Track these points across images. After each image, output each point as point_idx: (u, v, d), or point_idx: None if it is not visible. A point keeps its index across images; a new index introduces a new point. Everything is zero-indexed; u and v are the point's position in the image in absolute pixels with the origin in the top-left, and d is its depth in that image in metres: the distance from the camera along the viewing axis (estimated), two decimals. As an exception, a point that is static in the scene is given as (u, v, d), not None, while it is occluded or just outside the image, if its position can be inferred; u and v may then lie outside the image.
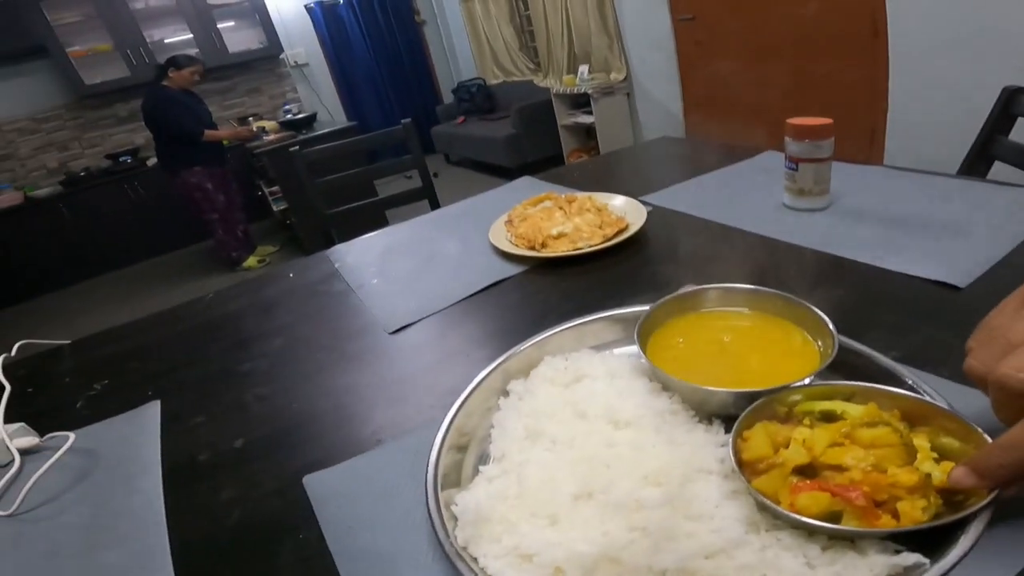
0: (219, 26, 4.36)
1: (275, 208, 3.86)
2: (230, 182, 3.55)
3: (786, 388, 0.35)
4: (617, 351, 0.48)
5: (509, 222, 0.82)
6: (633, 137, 3.83)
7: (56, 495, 0.52)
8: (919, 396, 0.34)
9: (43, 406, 0.68)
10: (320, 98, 5.13)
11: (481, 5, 4.78)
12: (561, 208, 0.84)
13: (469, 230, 0.90)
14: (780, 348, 0.42)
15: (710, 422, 0.38)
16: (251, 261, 3.72)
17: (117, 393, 0.67)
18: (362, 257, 0.90)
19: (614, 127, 3.73)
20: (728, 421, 0.36)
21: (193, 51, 4.03)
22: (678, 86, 3.34)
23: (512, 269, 0.74)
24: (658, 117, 3.62)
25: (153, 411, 0.61)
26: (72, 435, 0.56)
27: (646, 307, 0.46)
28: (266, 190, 3.85)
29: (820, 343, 0.40)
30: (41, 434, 0.59)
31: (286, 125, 3.96)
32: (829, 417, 0.33)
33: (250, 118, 4.47)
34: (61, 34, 3.86)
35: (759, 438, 0.33)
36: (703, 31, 3.01)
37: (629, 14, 3.45)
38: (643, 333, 0.43)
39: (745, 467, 0.32)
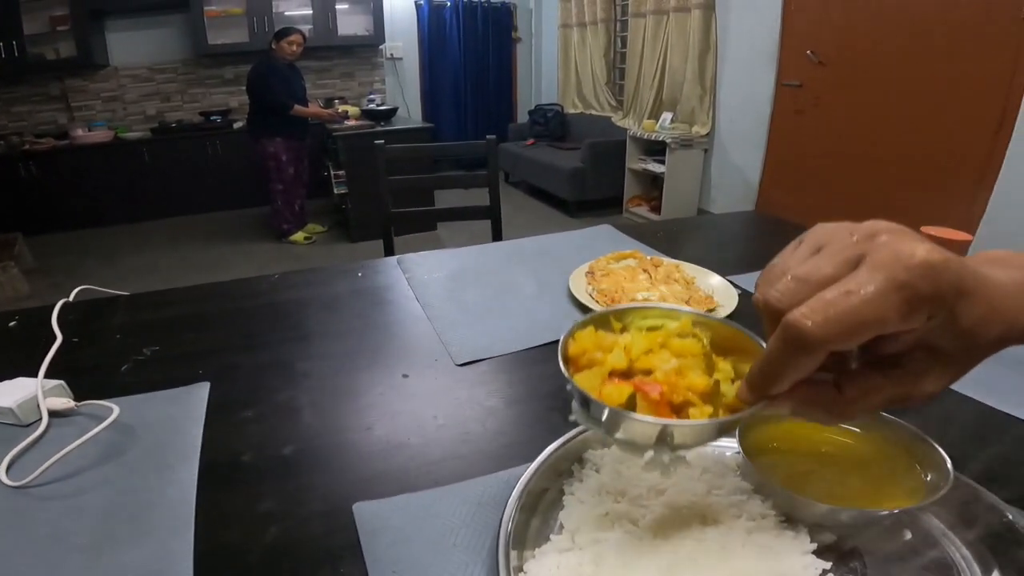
0: (336, 6, 4.55)
1: (335, 191, 3.94)
2: (303, 158, 3.67)
3: (627, 308, 0.37)
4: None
5: (591, 273, 0.79)
6: (699, 197, 3.77)
7: (78, 470, 0.47)
8: (735, 326, 0.35)
9: (86, 362, 0.66)
10: (404, 94, 5.27)
11: (579, 33, 4.84)
12: (646, 271, 0.80)
13: (545, 270, 0.87)
14: (881, 470, 0.40)
15: (796, 529, 0.37)
16: (299, 236, 3.81)
17: (166, 364, 0.65)
18: (432, 273, 0.88)
19: (683, 182, 3.68)
20: (813, 530, 0.36)
21: (307, 27, 4.21)
22: (762, 153, 3.26)
23: (588, 324, 0.70)
24: (731, 182, 3.55)
25: (201, 394, 0.58)
26: (116, 408, 0.52)
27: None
28: (332, 172, 3.94)
29: (930, 475, 0.38)
30: (78, 395, 0.56)
31: (367, 114, 4.07)
32: (654, 330, 0.36)
33: (336, 101, 4.63)
34: (205, -7, 4.11)
35: (587, 338, 0.34)
36: (807, 100, 2.92)
37: (730, 69, 3.40)
38: (742, 432, 0.41)
39: (570, 362, 0.34)
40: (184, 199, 4.52)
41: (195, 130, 4.46)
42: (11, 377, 0.57)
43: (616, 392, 0.31)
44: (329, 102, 4.54)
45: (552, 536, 0.38)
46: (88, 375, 0.61)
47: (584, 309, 0.73)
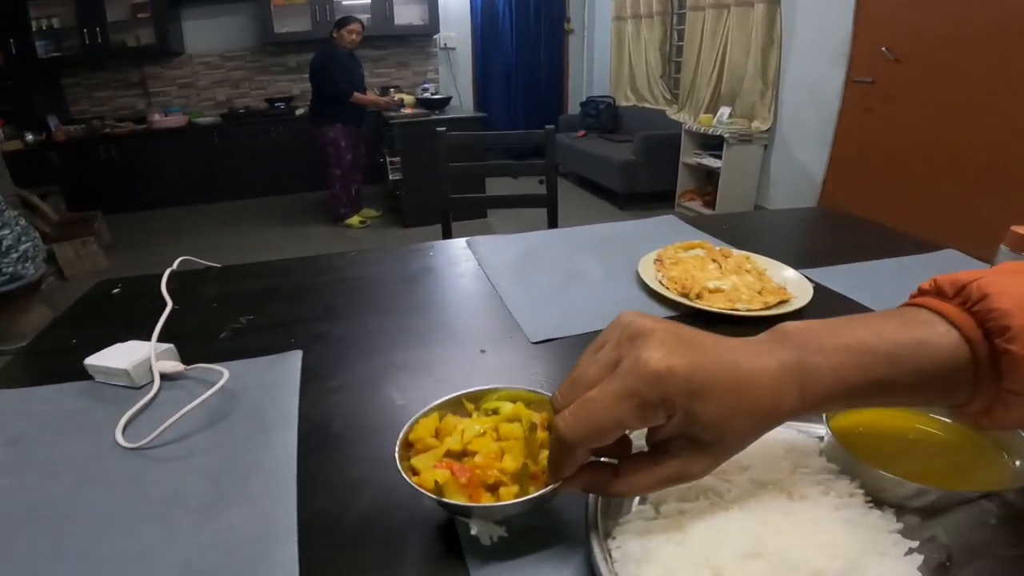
0: None
1: (390, 177, 4.04)
2: (360, 144, 3.77)
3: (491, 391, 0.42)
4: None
5: (659, 261, 0.79)
6: (757, 193, 3.66)
7: (188, 433, 0.49)
8: None
9: (187, 329, 0.69)
10: (456, 83, 5.32)
11: (634, 26, 4.75)
12: (715, 261, 0.80)
13: (611, 257, 0.88)
14: (968, 456, 0.40)
15: (883, 509, 0.37)
16: (354, 220, 3.93)
17: (261, 332, 0.69)
18: (499, 255, 0.91)
19: (740, 177, 3.57)
20: (899, 512, 0.37)
21: (366, 16, 4.32)
22: (827, 150, 3.14)
23: (658, 310, 0.71)
24: (792, 178, 3.43)
25: (295, 361, 0.60)
26: (226, 373, 0.54)
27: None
28: (387, 158, 4.04)
29: (1018, 461, 0.38)
30: (181, 359, 0.59)
31: (422, 102, 4.14)
32: (496, 411, 0.40)
33: (392, 89, 4.73)
34: (272, -18, 4.28)
35: (428, 424, 0.39)
36: (880, 98, 2.79)
37: (796, 64, 3.28)
38: (829, 415, 0.42)
39: (408, 446, 0.38)
40: (247, 183, 4.73)
41: (260, 116, 4.66)
42: (116, 341, 0.60)
43: (429, 476, 0.35)
44: (385, 90, 4.65)
45: (635, 506, 0.39)
46: (188, 340, 0.64)
47: (654, 295, 0.74)
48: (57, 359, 0.63)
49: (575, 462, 0.32)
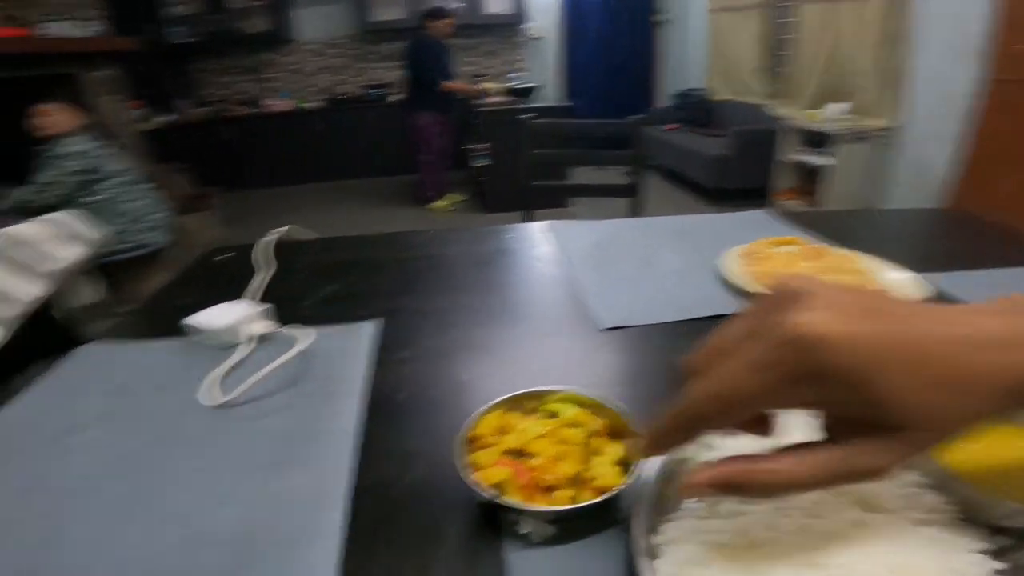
0: None
1: (475, 163, 4.12)
2: (449, 131, 3.88)
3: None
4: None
5: (746, 256, 0.75)
6: (871, 193, 3.35)
7: (268, 392, 0.52)
8: (626, 416, 0.40)
9: (281, 292, 0.74)
10: (544, 73, 5.31)
11: (732, 17, 4.49)
12: (809, 260, 0.74)
13: (693, 249, 0.84)
14: None
15: (971, 528, 0.33)
16: (439, 204, 4.05)
17: (344, 301, 0.73)
18: (578, 241, 0.89)
19: (851, 176, 3.29)
20: (992, 532, 0.32)
21: (457, 5, 4.42)
22: (957, 150, 2.83)
23: (736, 306, 0.67)
24: (915, 178, 3.11)
25: (371, 331, 0.63)
26: (314, 333, 0.57)
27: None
28: (473, 145, 4.12)
29: None
30: (277, 321, 0.63)
31: (509, 91, 4.17)
32: (555, 414, 0.41)
33: (480, 78, 4.80)
34: (370, -28, 4.49)
35: (490, 421, 0.40)
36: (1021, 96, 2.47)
37: (924, 61, 2.96)
38: None
39: (470, 441, 0.39)
40: (345, 165, 5.04)
41: (357, 102, 4.92)
42: (216, 300, 0.65)
43: (493, 473, 0.36)
44: (473, 79, 4.72)
45: (688, 503, 0.37)
46: (281, 303, 0.68)
47: (737, 290, 0.69)
48: (167, 317, 0.70)
49: (677, 441, 0.28)
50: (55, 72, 2.66)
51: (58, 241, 0.73)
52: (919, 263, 0.73)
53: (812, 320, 0.22)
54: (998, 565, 0.30)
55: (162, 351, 0.62)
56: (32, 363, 0.71)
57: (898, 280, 0.68)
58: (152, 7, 4.53)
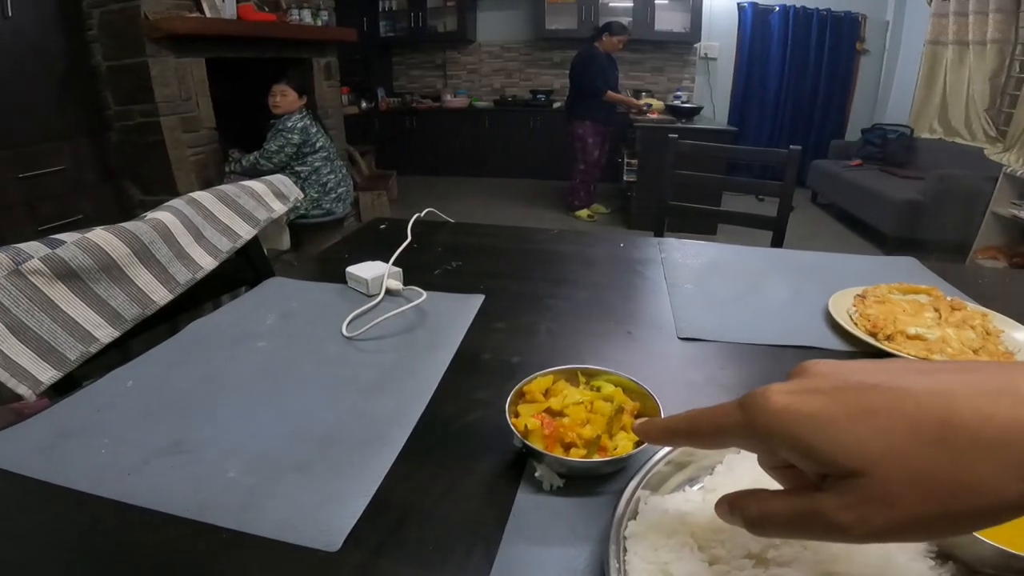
0: (656, 2, 4.69)
1: (624, 177, 4.12)
2: (607, 142, 3.94)
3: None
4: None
5: (862, 297, 0.71)
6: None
7: (385, 334, 0.65)
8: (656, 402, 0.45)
9: (414, 262, 0.86)
10: (712, 94, 5.10)
11: (956, 52, 3.90)
12: (937, 310, 0.68)
13: (809, 284, 0.81)
14: None
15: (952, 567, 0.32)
16: (583, 213, 4.13)
17: (462, 274, 0.85)
18: (687, 260, 0.92)
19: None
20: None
21: (627, 19, 4.46)
22: None
23: (836, 343, 0.65)
24: None
25: (476, 302, 0.74)
26: (425, 294, 0.70)
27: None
28: (625, 159, 4.13)
29: None
30: (404, 281, 0.77)
31: (670, 109, 4.10)
32: (599, 389, 0.48)
33: (643, 93, 4.78)
34: (549, -20, 4.73)
35: (541, 383, 0.48)
36: None
37: None
38: None
39: (521, 395, 0.47)
40: (504, 163, 5.37)
41: (523, 106, 5.21)
42: (370, 260, 0.81)
43: (527, 421, 0.43)
44: (636, 94, 4.71)
45: (686, 488, 0.40)
46: (412, 270, 0.81)
47: (836, 328, 0.67)
48: (332, 265, 0.87)
49: (660, 438, 0.33)
50: (295, 56, 3.21)
51: (273, 196, 0.95)
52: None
53: (767, 391, 0.25)
54: None
55: (323, 290, 0.79)
56: (238, 286, 0.94)
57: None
58: (373, 1, 5.18)
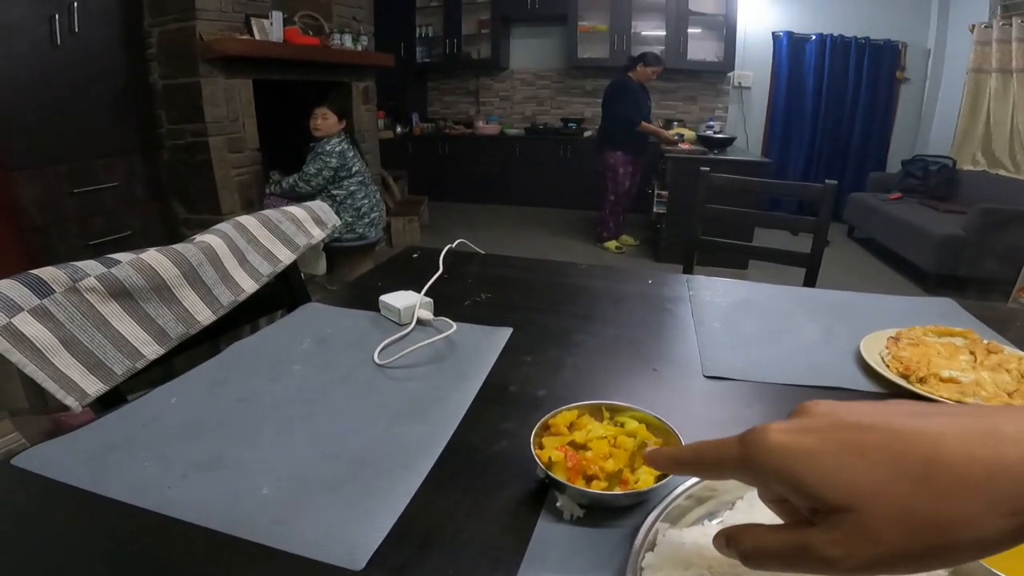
0: (688, 31, 4.71)
1: (654, 209, 4.11)
2: (638, 173, 3.95)
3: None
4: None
5: (896, 339, 0.70)
6: None
7: (416, 363, 0.67)
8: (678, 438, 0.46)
9: (445, 292, 0.89)
10: (746, 124, 5.08)
11: (1000, 80, 3.81)
12: (973, 353, 0.66)
13: (840, 324, 0.80)
14: None
15: None
16: (612, 244, 4.12)
17: (491, 306, 0.87)
18: (716, 297, 0.92)
19: None
20: None
21: (659, 48, 4.50)
22: None
23: (866, 384, 0.64)
24: None
25: (504, 335, 0.75)
26: (455, 326, 0.72)
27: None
28: (655, 191, 4.12)
29: None
30: (436, 311, 0.78)
31: (703, 140, 4.10)
32: (623, 425, 0.49)
33: (674, 123, 4.79)
34: (580, 9, 4.85)
35: (566, 417, 0.49)
36: None
37: None
38: None
39: (546, 427, 0.48)
40: (532, 192, 5.40)
41: (554, 134, 5.26)
42: (402, 289, 0.83)
43: (551, 453, 0.44)
44: (667, 123, 4.72)
45: (705, 522, 0.40)
46: (442, 300, 0.83)
47: (867, 370, 0.66)
48: (365, 292, 0.89)
49: (666, 467, 0.33)
50: (335, 80, 3.32)
51: (312, 223, 0.99)
52: None
53: (766, 428, 0.26)
54: None
55: (357, 318, 0.82)
56: (274, 309, 0.97)
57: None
58: (410, 27, 5.35)
